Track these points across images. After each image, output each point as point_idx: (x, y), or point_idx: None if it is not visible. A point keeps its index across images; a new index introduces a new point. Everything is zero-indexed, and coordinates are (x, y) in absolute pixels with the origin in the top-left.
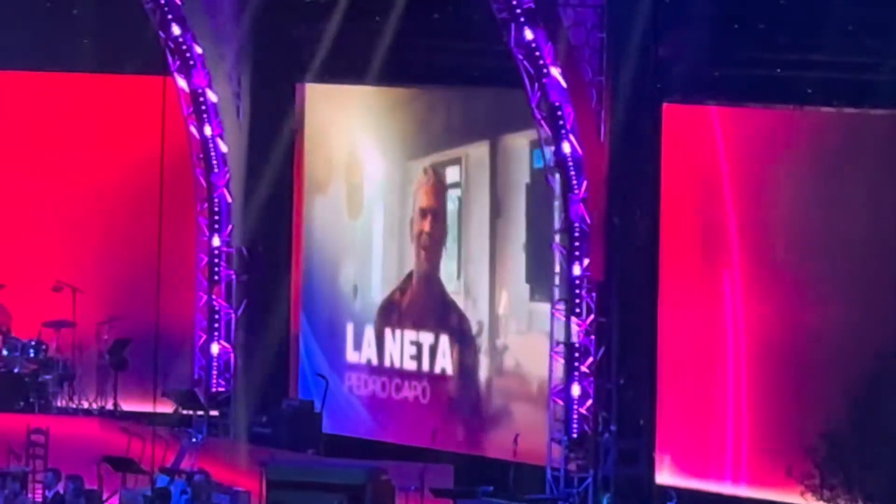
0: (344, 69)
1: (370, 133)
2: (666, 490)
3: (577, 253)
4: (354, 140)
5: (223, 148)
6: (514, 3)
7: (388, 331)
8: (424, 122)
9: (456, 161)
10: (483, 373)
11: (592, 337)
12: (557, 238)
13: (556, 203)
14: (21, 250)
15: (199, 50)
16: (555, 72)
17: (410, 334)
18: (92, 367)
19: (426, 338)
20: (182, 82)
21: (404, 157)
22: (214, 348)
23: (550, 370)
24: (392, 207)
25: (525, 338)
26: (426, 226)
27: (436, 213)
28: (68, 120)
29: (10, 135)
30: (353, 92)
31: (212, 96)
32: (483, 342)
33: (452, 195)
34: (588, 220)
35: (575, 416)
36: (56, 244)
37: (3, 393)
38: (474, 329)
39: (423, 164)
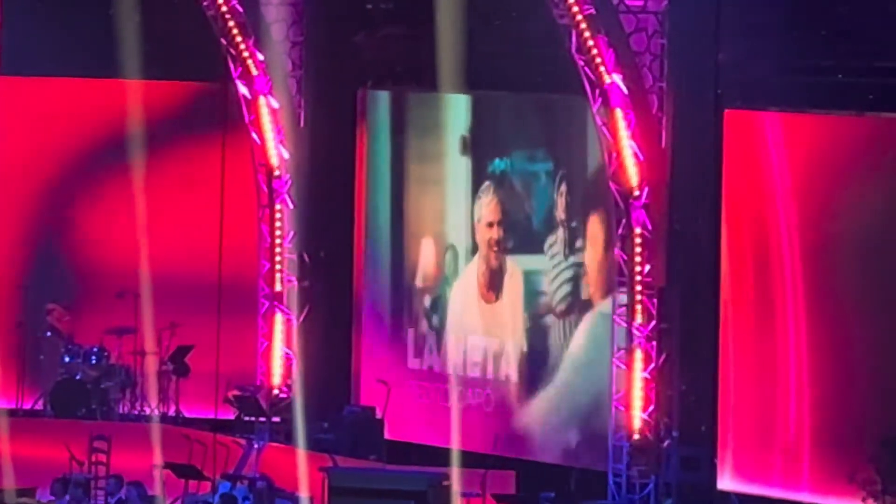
0: (404, 76)
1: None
2: (727, 496)
3: (638, 259)
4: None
5: (285, 154)
6: (576, 9)
7: (451, 337)
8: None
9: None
10: (545, 378)
11: (654, 343)
12: (619, 244)
13: (618, 209)
14: (84, 258)
15: (260, 57)
16: (616, 78)
17: (474, 339)
18: (154, 374)
19: (490, 343)
20: (243, 89)
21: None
22: (276, 354)
23: (612, 376)
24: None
25: (586, 343)
26: (494, 234)
27: (502, 222)
28: (129, 127)
29: (71, 142)
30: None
31: (273, 103)
32: (546, 347)
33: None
34: (650, 226)
35: (636, 422)
36: (117, 251)
37: (65, 400)
38: (535, 335)
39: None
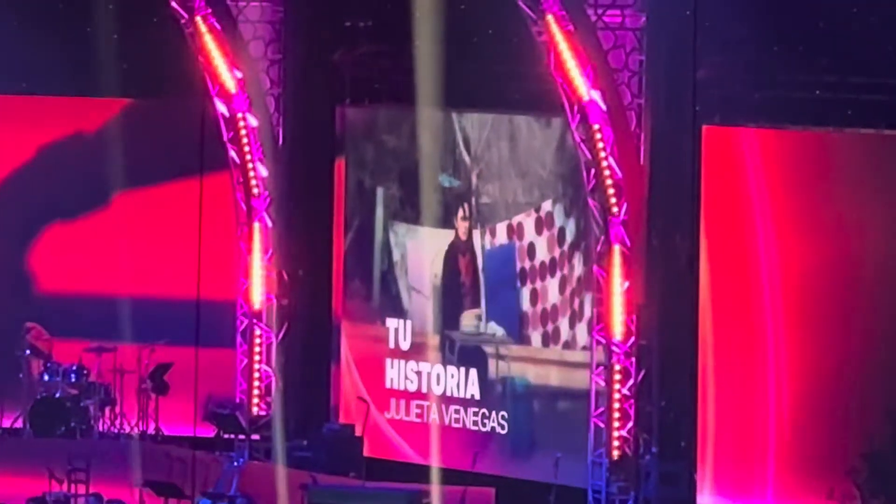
0: (383, 93)
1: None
2: None
3: (617, 275)
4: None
5: (263, 172)
6: (554, 26)
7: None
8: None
9: None
10: (525, 395)
11: (633, 359)
12: (598, 261)
13: (596, 226)
14: (62, 275)
15: (238, 74)
16: (594, 95)
17: (451, 359)
18: (133, 392)
19: (465, 363)
20: (221, 107)
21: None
22: (255, 372)
23: (591, 392)
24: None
25: (565, 360)
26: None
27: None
28: (105, 144)
29: (43, 159)
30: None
31: (251, 120)
32: (522, 366)
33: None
34: (628, 243)
35: (616, 439)
36: (96, 269)
37: (44, 418)
38: (513, 353)
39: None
